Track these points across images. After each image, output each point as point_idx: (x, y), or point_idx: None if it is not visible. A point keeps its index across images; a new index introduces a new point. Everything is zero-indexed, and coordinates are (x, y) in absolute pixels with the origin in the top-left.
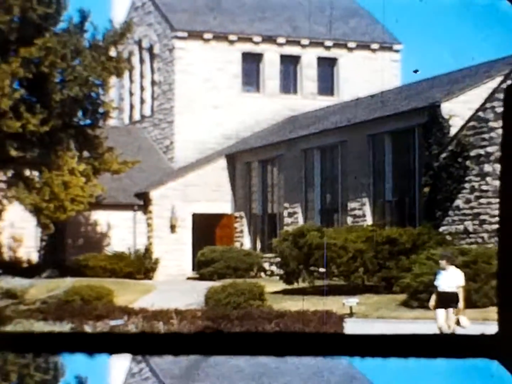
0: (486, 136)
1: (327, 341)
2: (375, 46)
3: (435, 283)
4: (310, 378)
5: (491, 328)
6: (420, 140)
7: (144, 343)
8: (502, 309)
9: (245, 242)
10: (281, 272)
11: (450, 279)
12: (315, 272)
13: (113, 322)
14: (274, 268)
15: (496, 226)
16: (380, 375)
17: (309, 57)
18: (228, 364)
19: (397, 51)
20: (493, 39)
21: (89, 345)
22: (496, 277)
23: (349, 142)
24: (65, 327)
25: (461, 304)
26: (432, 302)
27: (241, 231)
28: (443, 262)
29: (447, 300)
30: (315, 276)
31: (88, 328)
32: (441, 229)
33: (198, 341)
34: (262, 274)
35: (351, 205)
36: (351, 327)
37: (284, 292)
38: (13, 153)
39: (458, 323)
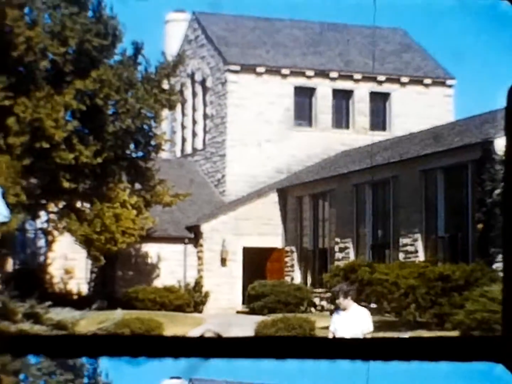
0: None
1: (329, 344)
2: (428, 81)
3: (330, 327)
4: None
5: None
6: (473, 176)
7: (145, 345)
8: (506, 312)
9: (296, 276)
10: (332, 307)
11: (352, 322)
12: (367, 308)
13: None
14: (324, 303)
15: None
16: (383, 378)
17: (362, 92)
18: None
19: (450, 86)
20: None
21: (89, 348)
22: (502, 281)
23: (401, 177)
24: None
25: None
26: None
27: (292, 266)
28: (341, 300)
29: None
30: None
31: None
32: (494, 266)
33: (198, 344)
34: (313, 309)
35: (403, 240)
36: None
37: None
38: (66, 184)
39: None
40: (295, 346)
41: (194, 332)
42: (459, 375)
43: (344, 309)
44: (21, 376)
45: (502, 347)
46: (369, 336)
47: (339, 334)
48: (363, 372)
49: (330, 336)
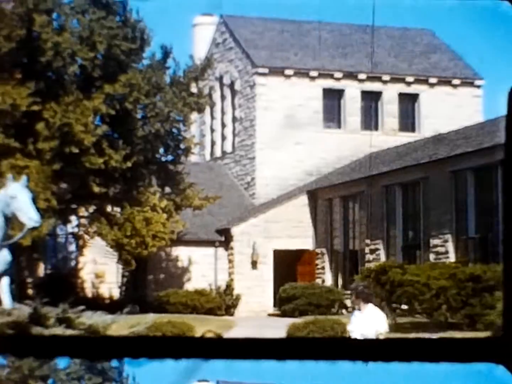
0: None
1: (329, 345)
2: (456, 81)
3: (348, 327)
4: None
5: None
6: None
7: (145, 347)
8: (507, 313)
9: (327, 278)
10: None
11: (367, 323)
12: (398, 309)
13: None
14: None
15: None
16: (384, 379)
17: (390, 93)
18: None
19: (478, 86)
20: None
21: (89, 349)
22: (502, 282)
23: (431, 179)
24: None
25: None
26: None
27: (323, 268)
28: (355, 300)
29: None
30: (397, 313)
31: None
32: None
33: (199, 345)
34: (344, 311)
35: (434, 241)
36: None
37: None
38: (96, 189)
39: None
40: (295, 347)
41: (226, 335)
42: (459, 376)
43: (358, 309)
44: (49, 381)
45: (502, 348)
46: (382, 337)
47: (354, 335)
48: (364, 372)
49: (349, 335)
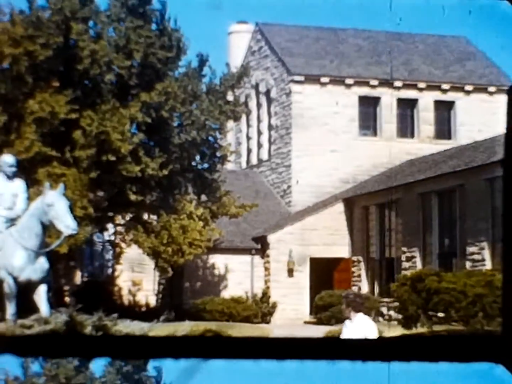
0: None
1: (329, 345)
2: (492, 89)
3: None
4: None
5: None
6: None
7: (145, 347)
8: (506, 313)
9: (363, 286)
10: (399, 316)
11: (357, 332)
12: (434, 317)
13: None
14: (392, 312)
15: None
16: (383, 377)
17: (426, 101)
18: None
19: None
20: None
21: (90, 348)
22: (502, 282)
23: (467, 186)
24: None
25: None
26: None
27: (359, 275)
28: (345, 308)
29: None
30: (434, 321)
31: None
32: None
33: (198, 345)
34: (380, 318)
35: (470, 249)
36: None
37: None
38: (132, 197)
39: None
40: (295, 347)
41: None
42: (459, 375)
43: (348, 318)
44: None
45: (501, 347)
46: None
47: None
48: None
49: None
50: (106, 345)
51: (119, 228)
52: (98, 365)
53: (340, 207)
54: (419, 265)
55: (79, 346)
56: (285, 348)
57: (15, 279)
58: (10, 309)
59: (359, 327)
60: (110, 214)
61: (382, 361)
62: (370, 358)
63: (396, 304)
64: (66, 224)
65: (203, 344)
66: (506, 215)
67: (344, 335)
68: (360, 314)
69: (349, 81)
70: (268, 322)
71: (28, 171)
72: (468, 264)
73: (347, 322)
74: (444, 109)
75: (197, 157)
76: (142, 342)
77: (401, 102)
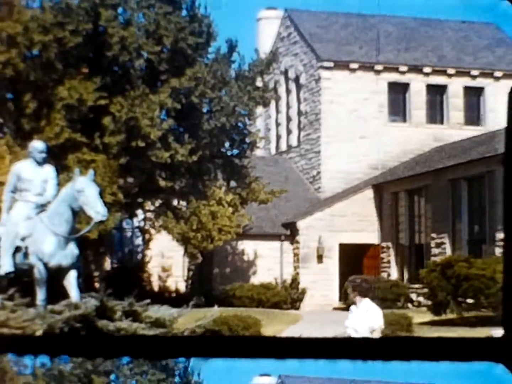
0: None
1: (329, 344)
2: None
3: (346, 322)
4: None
5: None
6: None
7: (144, 346)
8: (508, 313)
9: (392, 272)
10: (429, 303)
11: (362, 319)
12: (463, 303)
13: None
14: (421, 298)
15: None
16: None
17: (455, 87)
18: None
19: None
20: None
21: (87, 348)
22: (502, 281)
23: (497, 172)
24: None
25: None
26: None
27: (388, 262)
28: (352, 293)
29: None
30: (463, 307)
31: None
32: None
33: (197, 344)
34: (409, 305)
35: (499, 235)
36: None
37: (432, 323)
38: (162, 183)
39: None
40: (295, 346)
41: (292, 330)
42: (459, 375)
43: (354, 303)
44: (112, 377)
45: (502, 347)
46: (378, 333)
47: (348, 331)
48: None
49: (347, 331)
50: (109, 345)
51: (149, 214)
52: None
53: (369, 193)
54: (448, 251)
55: (82, 346)
56: (285, 348)
57: (45, 265)
58: (40, 294)
59: (364, 312)
60: (140, 200)
61: (382, 361)
62: (370, 357)
63: (426, 290)
64: (96, 210)
65: (203, 344)
66: (507, 216)
67: (350, 321)
68: (367, 300)
69: (378, 67)
70: (297, 308)
71: (58, 158)
72: (497, 251)
73: (352, 307)
74: (473, 95)
75: (227, 143)
76: (144, 342)
77: (431, 88)
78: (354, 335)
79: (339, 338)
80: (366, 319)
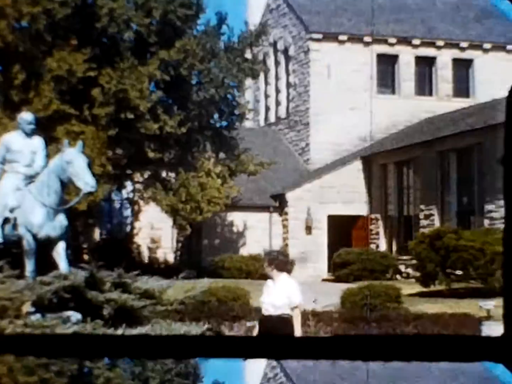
0: None
1: (327, 344)
2: (511, 47)
3: (261, 298)
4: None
5: None
6: None
7: (144, 347)
8: (508, 311)
9: (381, 244)
10: (417, 274)
11: (279, 294)
12: (452, 275)
13: (249, 323)
14: (410, 270)
15: None
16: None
17: (444, 59)
18: (363, 369)
19: None
20: None
21: (86, 349)
22: (502, 279)
23: (486, 144)
24: (201, 328)
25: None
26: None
27: (377, 233)
28: (267, 267)
29: (272, 330)
30: (452, 279)
31: (225, 329)
32: None
33: (197, 344)
34: (398, 276)
35: (488, 207)
36: (488, 330)
37: (421, 294)
38: (151, 154)
39: None
40: (294, 346)
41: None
42: (459, 375)
43: (271, 278)
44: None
45: (502, 346)
46: (297, 310)
47: (265, 306)
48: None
49: (263, 307)
50: (105, 344)
51: (138, 186)
52: None
53: (358, 165)
54: (437, 223)
55: (78, 346)
56: (285, 348)
57: (34, 236)
58: (29, 266)
59: (282, 287)
60: (129, 171)
61: (382, 361)
62: (370, 357)
63: (414, 261)
64: (85, 181)
65: (201, 343)
66: (507, 218)
67: (265, 296)
68: (284, 274)
69: (367, 39)
70: None
71: (46, 129)
72: (486, 222)
73: (269, 282)
74: (462, 67)
75: (216, 115)
76: (140, 342)
77: (420, 60)
78: (272, 311)
79: (339, 338)
80: (285, 295)
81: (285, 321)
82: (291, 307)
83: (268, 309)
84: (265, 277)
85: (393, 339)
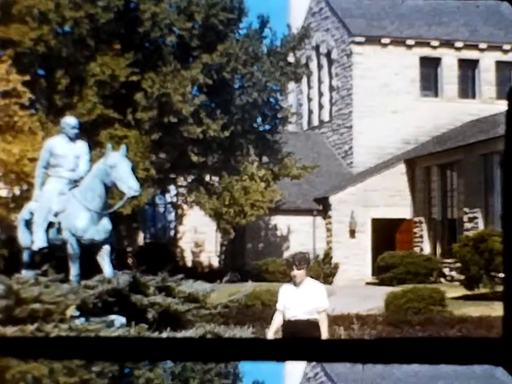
0: None
1: (328, 346)
2: None
3: (278, 305)
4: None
5: None
6: None
7: (145, 349)
8: (507, 314)
9: (425, 247)
10: (462, 277)
11: (306, 299)
12: (496, 278)
13: None
14: (454, 273)
15: None
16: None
17: (487, 61)
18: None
19: None
20: None
21: (85, 350)
22: (503, 281)
23: None
24: (246, 331)
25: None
26: (271, 337)
27: (421, 236)
28: (295, 271)
29: (299, 334)
30: (496, 282)
31: (268, 332)
32: None
33: (200, 347)
34: (442, 279)
35: None
36: None
37: (465, 297)
38: (194, 158)
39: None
40: (294, 348)
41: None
42: (460, 378)
43: (296, 283)
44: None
45: (502, 349)
46: (323, 314)
47: (291, 313)
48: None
49: (278, 316)
50: (104, 347)
51: (181, 190)
52: None
53: (401, 168)
54: (481, 225)
55: (78, 348)
56: (285, 349)
57: (78, 240)
58: (74, 270)
59: (308, 292)
60: (172, 175)
61: (382, 363)
62: (370, 360)
63: (458, 265)
64: (129, 185)
65: (202, 346)
66: (506, 220)
67: (289, 300)
68: (309, 278)
69: (409, 42)
70: (330, 283)
71: (90, 133)
72: None
73: (289, 286)
74: (505, 69)
75: (259, 119)
76: (140, 345)
77: (462, 62)
78: (300, 316)
79: (340, 340)
80: (313, 299)
81: (313, 326)
82: (318, 311)
83: (296, 314)
84: None
85: (393, 342)
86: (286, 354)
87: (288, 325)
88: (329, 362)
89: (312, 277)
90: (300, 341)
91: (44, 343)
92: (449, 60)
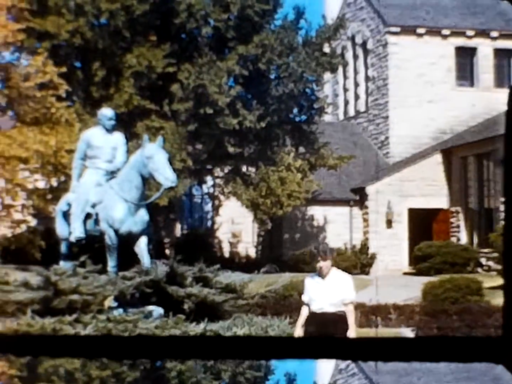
0: None
1: (328, 344)
2: None
3: (303, 297)
4: None
5: None
6: None
7: (147, 347)
8: (508, 311)
9: (462, 237)
10: (499, 267)
11: (332, 291)
12: None
13: None
14: (491, 263)
15: None
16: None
17: None
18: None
19: None
20: None
21: (85, 349)
22: (503, 278)
23: None
24: (283, 322)
25: (351, 334)
26: (299, 330)
27: (458, 226)
28: (321, 263)
29: (326, 327)
30: None
31: (296, 326)
32: None
33: (200, 345)
34: (479, 269)
35: None
36: None
37: (502, 287)
38: (231, 149)
39: None
40: (294, 347)
41: (361, 295)
42: (459, 376)
43: (322, 275)
44: None
45: (502, 347)
46: (350, 306)
47: (317, 305)
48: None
49: (304, 309)
50: (106, 345)
51: (218, 181)
52: None
53: (438, 158)
54: None
55: (79, 346)
56: (285, 348)
57: (116, 231)
58: (111, 261)
59: (335, 283)
60: (209, 166)
61: (382, 361)
62: (370, 358)
63: (495, 254)
64: (166, 176)
65: (203, 345)
66: (507, 220)
67: (315, 292)
68: (335, 269)
69: (445, 31)
70: (367, 273)
71: (127, 125)
72: None
73: (314, 277)
74: None
75: (295, 109)
76: (145, 343)
77: (498, 52)
78: (326, 308)
79: (340, 339)
80: (339, 291)
81: (341, 318)
82: (344, 303)
83: (322, 306)
84: (346, 271)
85: (393, 340)
86: (315, 352)
87: (314, 317)
88: (333, 359)
89: (349, 268)
90: (326, 340)
91: (71, 341)
92: (485, 49)
